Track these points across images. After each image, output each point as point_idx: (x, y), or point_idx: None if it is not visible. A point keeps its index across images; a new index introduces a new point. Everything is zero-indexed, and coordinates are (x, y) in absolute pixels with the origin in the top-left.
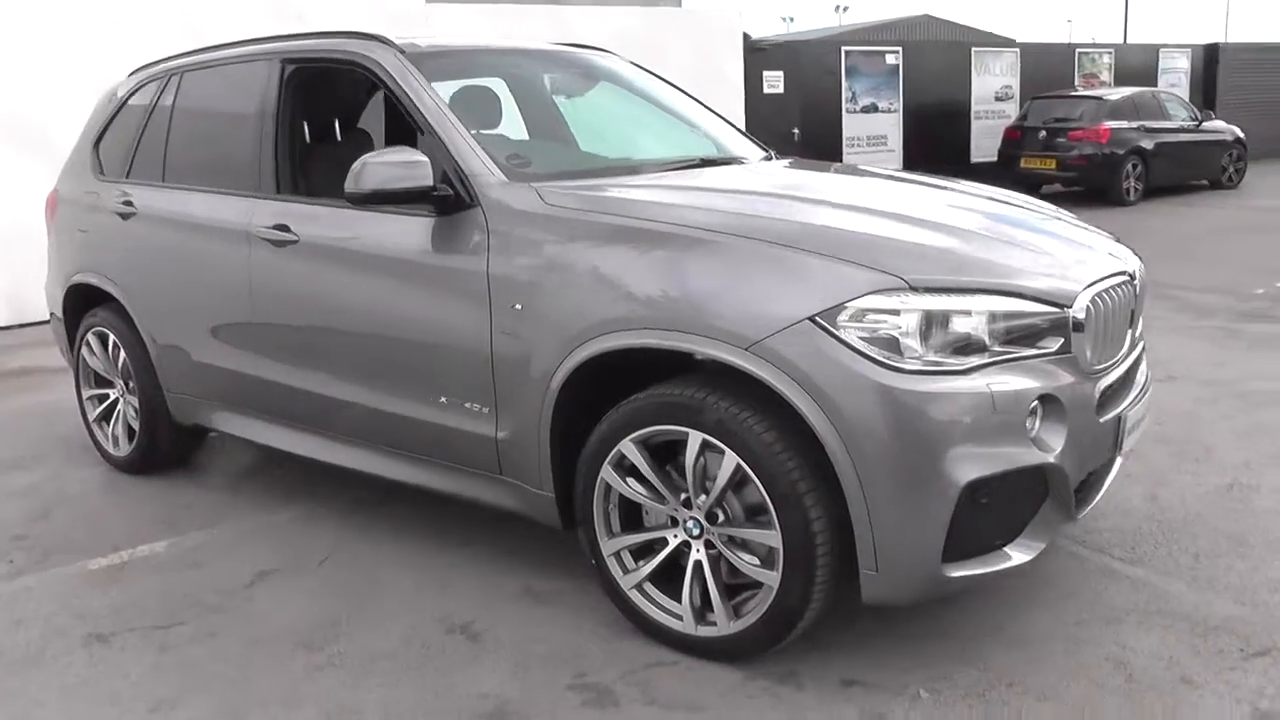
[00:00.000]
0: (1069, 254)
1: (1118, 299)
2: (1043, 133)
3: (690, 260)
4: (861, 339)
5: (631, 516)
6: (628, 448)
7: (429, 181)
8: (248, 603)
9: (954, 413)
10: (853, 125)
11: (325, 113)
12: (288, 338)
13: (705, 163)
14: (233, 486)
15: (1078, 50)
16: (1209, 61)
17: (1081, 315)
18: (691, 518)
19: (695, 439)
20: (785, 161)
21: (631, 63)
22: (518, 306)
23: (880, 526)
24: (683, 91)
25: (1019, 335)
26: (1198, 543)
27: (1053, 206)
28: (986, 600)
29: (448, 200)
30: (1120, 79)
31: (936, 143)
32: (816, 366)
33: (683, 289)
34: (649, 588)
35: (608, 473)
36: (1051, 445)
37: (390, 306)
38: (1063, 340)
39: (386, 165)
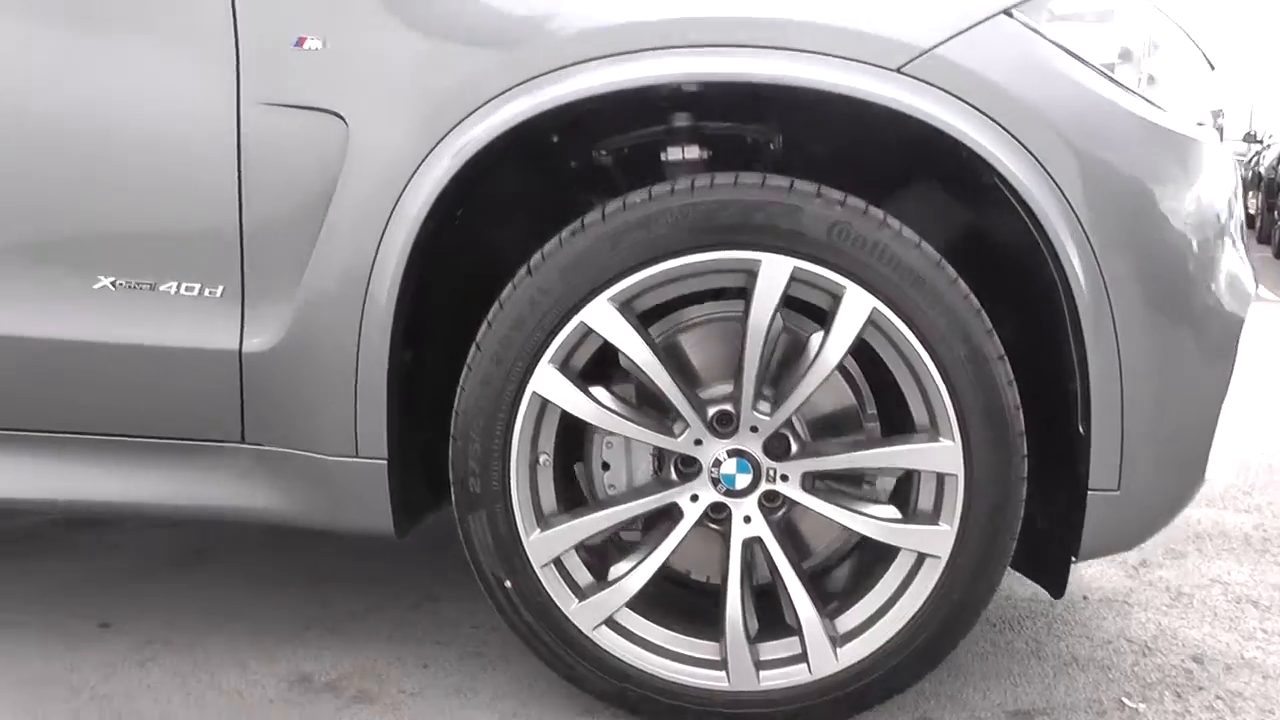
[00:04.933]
0: None
1: None
2: None
3: None
4: (1079, 48)
5: (569, 483)
6: (600, 315)
7: None
8: None
9: (1230, 178)
10: None
11: None
12: None
13: None
14: None
15: None
16: None
17: None
18: (733, 452)
19: (776, 270)
20: None
21: None
22: (310, 45)
23: (1136, 399)
24: None
25: None
26: None
27: None
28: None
29: None
30: None
31: None
32: (1031, 91)
33: None
34: (633, 619)
35: (546, 379)
36: None
37: None
38: None
39: None
